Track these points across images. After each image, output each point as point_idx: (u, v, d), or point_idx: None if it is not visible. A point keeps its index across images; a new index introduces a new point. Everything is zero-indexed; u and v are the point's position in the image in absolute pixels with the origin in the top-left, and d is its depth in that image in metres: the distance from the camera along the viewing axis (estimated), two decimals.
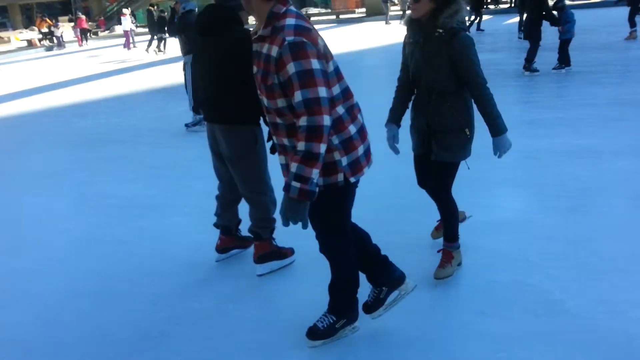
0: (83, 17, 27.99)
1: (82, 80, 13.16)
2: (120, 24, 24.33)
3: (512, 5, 22.82)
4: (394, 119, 2.99)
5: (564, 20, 8.80)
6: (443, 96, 2.75)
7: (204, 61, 3.06)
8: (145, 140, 6.77)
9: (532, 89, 8.29)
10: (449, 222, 3.04)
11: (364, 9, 32.21)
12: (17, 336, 2.81)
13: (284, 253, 3.29)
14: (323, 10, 39.85)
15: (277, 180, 2.77)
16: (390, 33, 19.36)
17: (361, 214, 3.92)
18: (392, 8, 25.63)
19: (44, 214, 4.51)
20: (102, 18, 35.71)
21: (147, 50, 18.98)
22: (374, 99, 5.03)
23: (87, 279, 3.34)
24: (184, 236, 3.84)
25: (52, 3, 49.44)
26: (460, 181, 4.42)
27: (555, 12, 8.86)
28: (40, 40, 27.53)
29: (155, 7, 19.89)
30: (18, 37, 35.17)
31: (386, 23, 23.24)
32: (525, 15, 9.01)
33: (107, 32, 34.47)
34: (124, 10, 22.30)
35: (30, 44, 26.77)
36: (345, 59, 12.63)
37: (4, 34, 33.11)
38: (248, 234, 3.34)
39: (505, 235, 3.47)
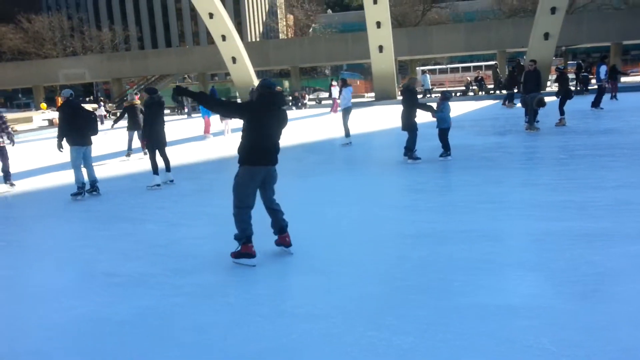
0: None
1: (98, 159, 13.45)
2: None
3: (518, 90, 23.47)
4: None
5: (440, 109, 9.18)
6: None
7: (273, 125, 4.71)
8: (153, 218, 6.81)
9: (540, 171, 8.33)
10: None
11: (373, 94, 33.50)
12: None
13: None
14: None
15: None
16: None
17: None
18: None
19: (48, 291, 4.45)
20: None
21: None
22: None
23: None
24: (185, 317, 3.74)
25: (75, 85, 51.88)
26: (470, 263, 4.37)
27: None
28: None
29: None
30: (44, 105, 36.74)
31: None
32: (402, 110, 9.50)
33: None
34: (334, 82, 25.19)
35: (52, 124, 27.72)
36: (357, 140, 12.93)
37: (27, 114, 34.45)
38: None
39: (518, 321, 3.34)
